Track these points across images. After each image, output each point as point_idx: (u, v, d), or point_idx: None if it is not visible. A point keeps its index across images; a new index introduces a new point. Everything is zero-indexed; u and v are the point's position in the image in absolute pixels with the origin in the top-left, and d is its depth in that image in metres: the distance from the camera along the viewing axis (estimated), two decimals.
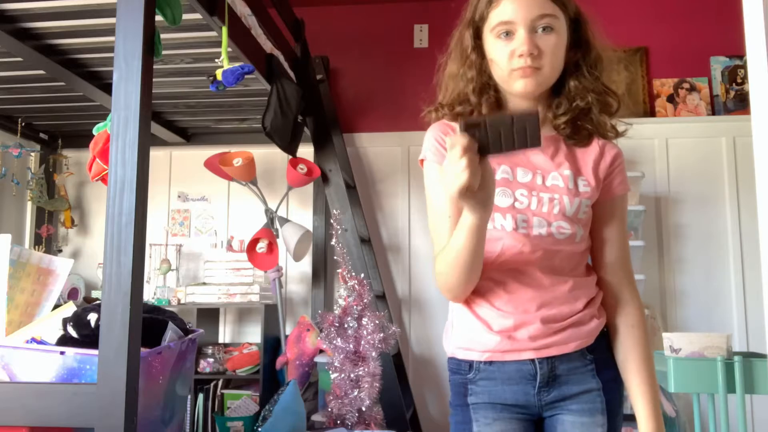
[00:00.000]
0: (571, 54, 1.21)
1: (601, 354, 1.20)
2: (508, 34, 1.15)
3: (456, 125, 1.14)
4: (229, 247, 3.44)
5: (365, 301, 2.50)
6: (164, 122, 3.42)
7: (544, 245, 1.16)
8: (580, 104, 1.20)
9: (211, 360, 3.23)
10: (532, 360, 1.16)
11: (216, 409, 3.22)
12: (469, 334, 1.23)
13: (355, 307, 2.49)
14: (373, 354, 2.43)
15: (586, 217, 1.21)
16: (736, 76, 3.47)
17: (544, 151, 1.20)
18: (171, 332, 1.71)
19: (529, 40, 1.13)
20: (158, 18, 1.54)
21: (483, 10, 1.18)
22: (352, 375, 2.42)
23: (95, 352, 1.35)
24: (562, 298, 1.17)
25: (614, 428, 1.23)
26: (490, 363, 1.19)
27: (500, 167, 1.18)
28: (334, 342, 2.45)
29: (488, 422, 1.18)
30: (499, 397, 1.19)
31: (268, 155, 3.60)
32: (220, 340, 3.61)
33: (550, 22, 1.15)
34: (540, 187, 1.18)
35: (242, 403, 3.12)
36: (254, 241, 3.06)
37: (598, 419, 1.19)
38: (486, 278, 1.18)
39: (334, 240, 2.67)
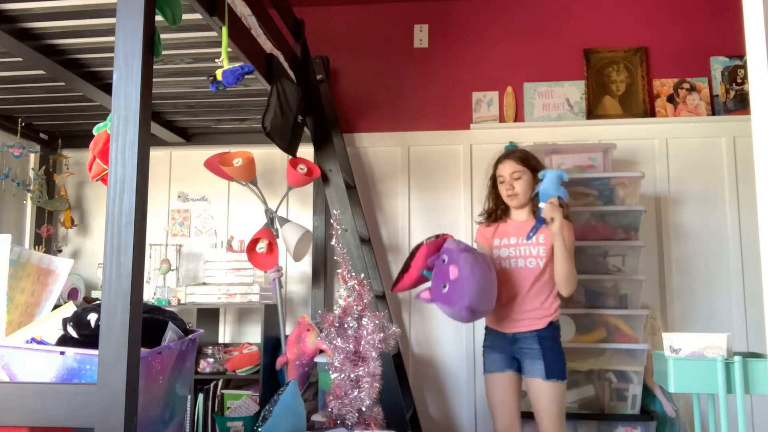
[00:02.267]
0: (534, 185, 2.54)
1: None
2: (502, 182, 2.60)
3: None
4: (229, 247, 3.44)
5: (365, 301, 2.50)
6: (164, 122, 3.42)
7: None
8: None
9: (211, 360, 3.23)
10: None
11: (216, 409, 3.22)
12: None
13: (355, 307, 2.49)
14: (373, 354, 2.43)
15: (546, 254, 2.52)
16: (736, 76, 3.47)
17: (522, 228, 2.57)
18: (171, 332, 1.71)
19: (509, 184, 2.58)
20: (158, 18, 1.54)
21: (494, 170, 2.66)
22: (352, 375, 2.41)
23: (95, 352, 1.35)
24: None
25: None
26: None
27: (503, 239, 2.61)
28: (334, 342, 2.45)
29: None
30: None
31: (268, 155, 3.60)
32: (220, 340, 3.61)
33: (519, 174, 2.57)
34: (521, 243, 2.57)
35: (242, 403, 3.12)
36: (254, 241, 3.06)
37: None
38: None
39: (334, 240, 2.67)
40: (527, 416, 2.60)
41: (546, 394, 2.44)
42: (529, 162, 2.61)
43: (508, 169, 2.58)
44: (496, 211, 2.67)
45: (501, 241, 2.60)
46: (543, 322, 2.50)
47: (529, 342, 2.48)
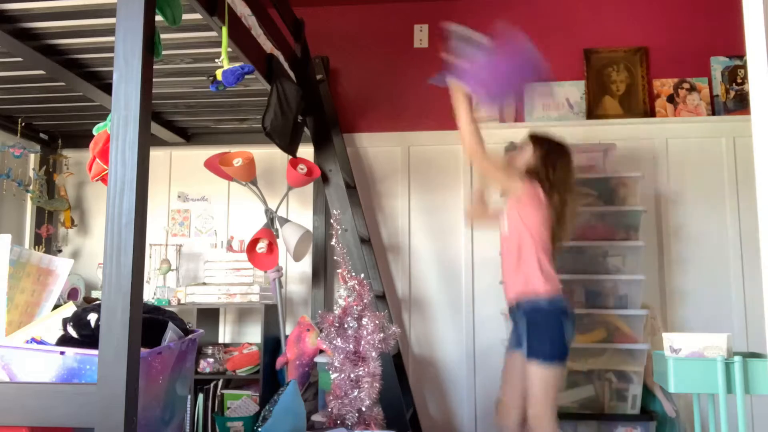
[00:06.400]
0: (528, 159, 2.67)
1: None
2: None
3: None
4: (229, 248, 3.44)
5: (365, 301, 2.50)
6: (164, 122, 3.42)
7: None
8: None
9: (211, 360, 3.23)
10: None
11: (216, 409, 3.22)
12: None
13: (355, 307, 2.49)
14: (373, 354, 2.43)
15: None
16: (736, 76, 3.47)
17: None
18: (171, 332, 1.71)
19: None
20: (158, 18, 1.55)
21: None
22: (352, 375, 2.41)
23: (95, 352, 1.35)
24: None
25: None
26: None
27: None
28: (334, 342, 2.45)
29: None
30: None
31: (268, 155, 3.60)
32: (220, 340, 3.61)
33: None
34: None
35: (242, 403, 3.12)
36: (254, 241, 3.06)
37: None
38: None
39: (334, 240, 2.67)
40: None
41: (528, 373, 2.34)
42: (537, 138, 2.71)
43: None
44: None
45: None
46: (526, 292, 2.40)
47: (520, 314, 2.44)
